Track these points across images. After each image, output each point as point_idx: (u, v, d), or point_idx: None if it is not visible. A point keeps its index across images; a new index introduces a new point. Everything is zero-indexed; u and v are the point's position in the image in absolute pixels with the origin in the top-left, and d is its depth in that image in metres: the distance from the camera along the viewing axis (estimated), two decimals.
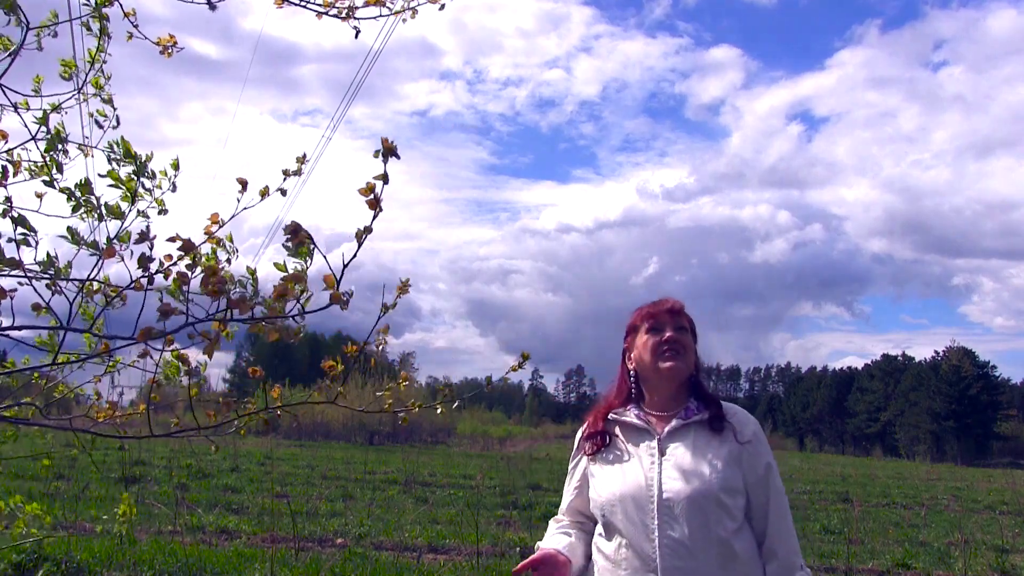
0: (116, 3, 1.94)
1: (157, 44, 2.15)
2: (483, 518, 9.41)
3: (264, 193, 1.84)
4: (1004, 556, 9.07)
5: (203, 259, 1.55)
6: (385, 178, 1.41)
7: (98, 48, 2.03)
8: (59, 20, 1.97)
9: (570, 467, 2.21)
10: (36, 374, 2.23)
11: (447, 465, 20.37)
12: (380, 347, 1.79)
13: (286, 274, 1.42)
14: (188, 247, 1.43)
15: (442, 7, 2.38)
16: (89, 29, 1.92)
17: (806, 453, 64.43)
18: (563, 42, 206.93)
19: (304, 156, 1.89)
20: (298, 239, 1.38)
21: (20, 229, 1.53)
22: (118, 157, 1.76)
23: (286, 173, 1.90)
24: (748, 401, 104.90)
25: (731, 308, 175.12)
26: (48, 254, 1.65)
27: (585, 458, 2.12)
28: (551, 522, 2.21)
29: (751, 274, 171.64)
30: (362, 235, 1.44)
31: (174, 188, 1.96)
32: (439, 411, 2.02)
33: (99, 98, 2.08)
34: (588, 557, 2.07)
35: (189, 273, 1.45)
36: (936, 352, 74.69)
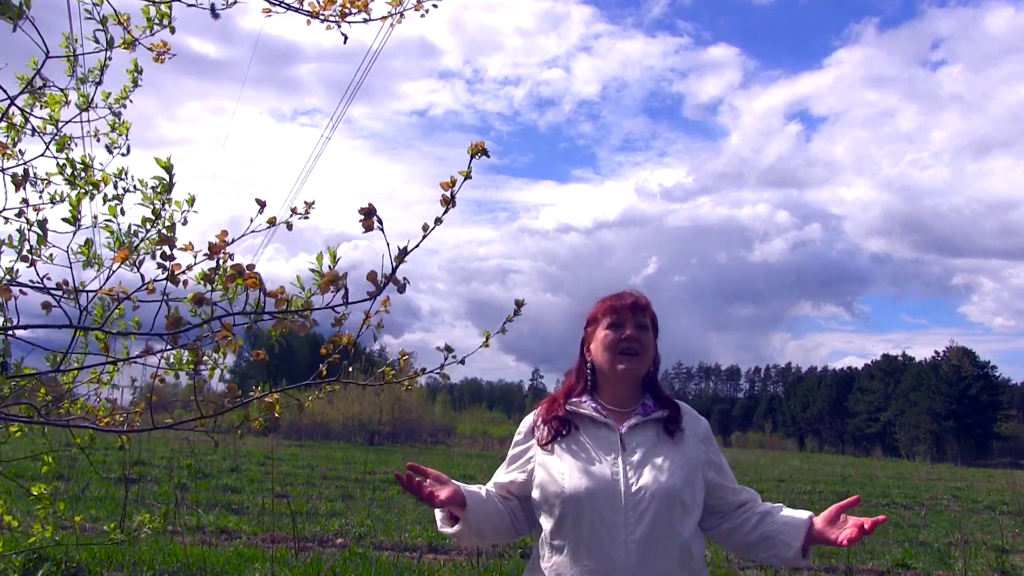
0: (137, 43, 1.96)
1: (150, 50, 2.16)
2: None
3: (272, 222, 1.88)
4: (1004, 556, 9.07)
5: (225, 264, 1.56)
6: (469, 175, 1.46)
7: (121, 94, 2.07)
8: (71, 53, 1.98)
9: (513, 452, 2.08)
10: (43, 390, 2.24)
11: (447, 465, 20.37)
12: (375, 332, 1.78)
13: (327, 271, 1.45)
14: (215, 249, 1.45)
15: (424, 14, 2.41)
16: (96, 41, 1.93)
17: (806, 453, 64.44)
18: (563, 41, 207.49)
19: (312, 203, 1.96)
20: (368, 222, 1.42)
21: (71, 212, 1.56)
22: (150, 183, 1.80)
23: (294, 211, 1.94)
24: (748, 401, 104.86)
25: (730, 308, 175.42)
26: (88, 239, 1.68)
27: (536, 445, 2.01)
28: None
29: (750, 274, 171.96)
30: (430, 227, 1.49)
31: (185, 222, 2.00)
32: (443, 376, 2.03)
33: (110, 119, 2.11)
34: (487, 520, 1.95)
35: (213, 275, 1.46)
36: (936, 352, 74.82)
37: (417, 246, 1.46)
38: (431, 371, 2.09)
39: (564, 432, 1.98)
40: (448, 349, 2.03)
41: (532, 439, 2.05)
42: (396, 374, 2.11)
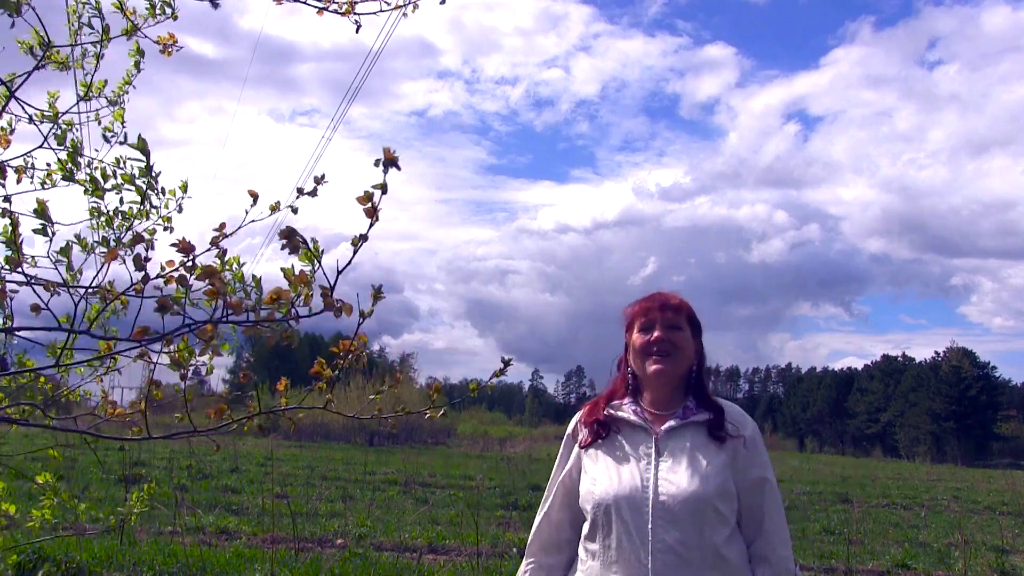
0: (141, 31, 1.95)
1: (157, 43, 2.14)
2: (483, 519, 9.41)
3: (274, 208, 1.81)
4: (1004, 556, 9.07)
5: (200, 265, 1.54)
6: (384, 188, 1.40)
7: (125, 80, 2.06)
8: (76, 43, 1.97)
9: (560, 456, 2.10)
10: (43, 378, 2.24)
11: (447, 466, 20.35)
12: (362, 354, 1.74)
13: (291, 276, 1.43)
14: (187, 248, 1.42)
15: (443, 1, 2.36)
16: (91, 27, 1.93)
17: (806, 454, 64.37)
18: (562, 41, 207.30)
19: (323, 177, 1.82)
20: (292, 243, 1.37)
21: (38, 217, 1.55)
22: (133, 159, 1.78)
23: (301, 192, 1.84)
24: (748, 402, 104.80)
25: (729, 308, 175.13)
26: (67, 242, 1.66)
27: (578, 448, 2.02)
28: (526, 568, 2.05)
29: (749, 274, 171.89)
30: (358, 242, 1.44)
31: (180, 210, 1.98)
32: (427, 416, 1.96)
33: (110, 108, 2.10)
34: None
35: (188, 276, 1.44)
36: (936, 353, 74.77)
37: (348, 263, 1.43)
38: (416, 411, 1.98)
39: (603, 435, 1.97)
40: (438, 389, 2.02)
41: (574, 442, 2.05)
42: (390, 393, 2.06)
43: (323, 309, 1.45)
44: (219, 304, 1.42)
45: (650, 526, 1.79)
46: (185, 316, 1.44)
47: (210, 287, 1.39)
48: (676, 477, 1.83)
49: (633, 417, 1.97)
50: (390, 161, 1.39)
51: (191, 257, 1.45)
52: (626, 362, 2.09)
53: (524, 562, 2.06)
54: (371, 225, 1.43)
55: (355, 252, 1.44)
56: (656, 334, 1.97)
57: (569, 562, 2.01)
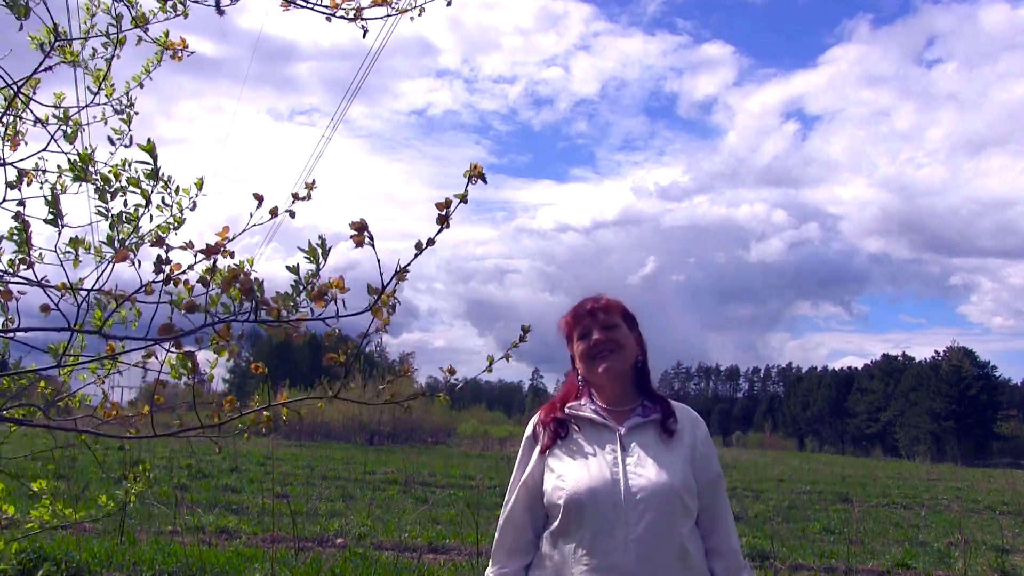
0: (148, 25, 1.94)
1: (168, 48, 2.12)
2: (483, 518, 9.40)
3: (274, 212, 1.84)
4: (1004, 556, 9.07)
5: (223, 266, 1.53)
6: (464, 198, 1.46)
7: (143, 70, 2.05)
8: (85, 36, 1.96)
9: (520, 457, 2.09)
10: (43, 382, 2.23)
11: (447, 465, 20.37)
12: (378, 344, 1.77)
13: (332, 278, 1.44)
14: (212, 251, 1.44)
15: (449, 3, 2.36)
16: (105, 34, 1.92)
17: (806, 453, 64.42)
18: (561, 40, 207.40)
19: (313, 182, 1.89)
20: (359, 238, 1.41)
21: (49, 210, 1.55)
22: (139, 161, 1.78)
23: (296, 196, 1.89)
24: (748, 402, 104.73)
25: (729, 308, 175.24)
26: (75, 237, 1.66)
27: (537, 450, 2.03)
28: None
29: (748, 273, 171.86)
30: (423, 246, 1.47)
31: (194, 207, 1.97)
32: (443, 398, 1.99)
33: (115, 110, 2.09)
34: None
35: (209, 277, 1.45)
36: (936, 352, 74.83)
37: (410, 263, 1.45)
38: (431, 394, 2.06)
39: (563, 434, 2.01)
40: (451, 371, 1.99)
41: (535, 444, 2.07)
42: (397, 382, 2.08)
43: (371, 306, 1.47)
44: (249, 304, 1.43)
45: (623, 518, 1.83)
46: (208, 315, 1.45)
47: (241, 287, 1.41)
48: (644, 471, 1.89)
49: (594, 415, 2.01)
50: (478, 174, 1.45)
51: (212, 259, 1.46)
52: (576, 372, 2.13)
53: (491, 569, 2.04)
54: (440, 231, 1.48)
55: (417, 254, 1.48)
56: (596, 337, 2.03)
57: (529, 566, 2.01)
